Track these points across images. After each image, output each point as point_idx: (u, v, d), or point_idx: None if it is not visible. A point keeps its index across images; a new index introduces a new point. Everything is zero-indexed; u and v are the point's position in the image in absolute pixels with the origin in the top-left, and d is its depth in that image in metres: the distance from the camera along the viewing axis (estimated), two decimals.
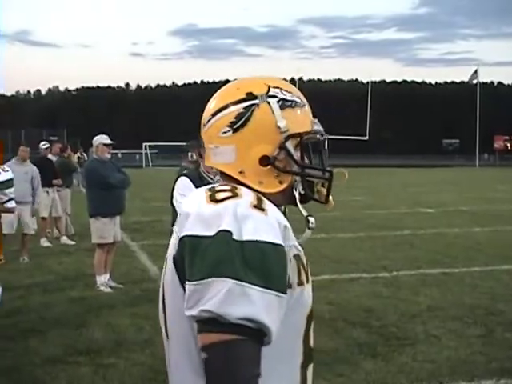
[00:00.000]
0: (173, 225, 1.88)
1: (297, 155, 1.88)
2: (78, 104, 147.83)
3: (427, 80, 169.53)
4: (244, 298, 1.59)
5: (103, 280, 10.20)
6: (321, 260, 12.45)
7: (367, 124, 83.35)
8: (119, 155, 79.16)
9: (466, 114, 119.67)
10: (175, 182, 7.76)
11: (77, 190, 18.06)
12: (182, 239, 1.71)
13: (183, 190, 5.84)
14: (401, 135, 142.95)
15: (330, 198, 2.03)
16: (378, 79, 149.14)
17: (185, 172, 6.35)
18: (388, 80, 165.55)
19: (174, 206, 6.63)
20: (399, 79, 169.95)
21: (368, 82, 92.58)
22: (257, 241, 1.63)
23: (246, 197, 1.73)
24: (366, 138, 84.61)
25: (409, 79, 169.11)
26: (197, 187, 2.09)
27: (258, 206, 1.71)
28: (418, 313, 8.61)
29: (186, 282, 1.65)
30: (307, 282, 1.87)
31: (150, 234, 12.84)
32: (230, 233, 1.63)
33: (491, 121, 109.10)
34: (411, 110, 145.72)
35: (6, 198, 7.82)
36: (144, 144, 79.46)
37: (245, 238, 1.63)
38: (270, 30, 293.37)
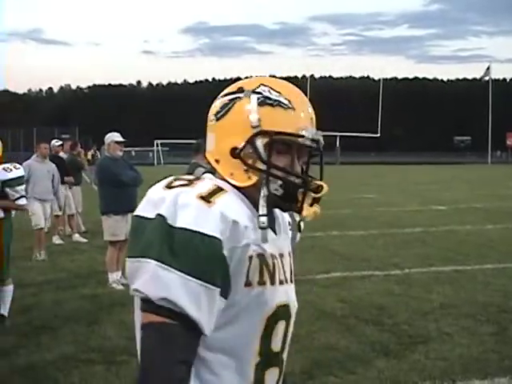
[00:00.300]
0: None
1: (264, 153, 1.86)
2: (90, 102, 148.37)
3: (439, 77, 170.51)
4: (164, 281, 1.67)
5: (115, 277, 10.22)
6: (333, 257, 12.47)
7: (379, 121, 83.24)
8: (133, 153, 79.31)
9: (477, 111, 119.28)
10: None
11: (89, 187, 18.06)
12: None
13: None
14: (412, 132, 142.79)
15: (309, 208, 1.91)
16: (389, 76, 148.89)
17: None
18: (400, 77, 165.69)
19: None
20: (411, 76, 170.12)
21: (379, 79, 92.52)
22: (188, 229, 1.68)
23: (198, 187, 1.79)
24: (378, 135, 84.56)
25: (420, 76, 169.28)
26: None
27: (205, 198, 1.75)
28: (430, 310, 8.59)
29: (126, 259, 1.77)
30: (272, 283, 1.86)
31: None
32: (164, 218, 1.71)
33: (503, 118, 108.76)
34: (423, 107, 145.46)
35: (18, 195, 7.84)
36: (155, 141, 79.43)
37: (177, 224, 1.69)
38: (281, 27, 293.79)
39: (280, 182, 1.87)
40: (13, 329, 7.85)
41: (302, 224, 2.12)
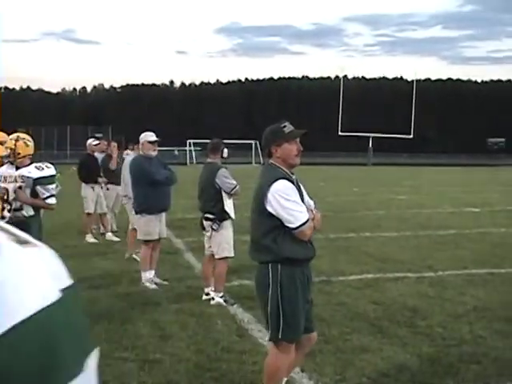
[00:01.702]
0: None
1: None
2: (123, 101, 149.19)
3: (473, 78, 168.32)
4: None
5: (148, 276, 10.27)
6: (365, 259, 12.44)
7: (412, 122, 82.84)
8: (176, 152, 79.62)
9: None
10: (213, 176, 8.63)
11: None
12: None
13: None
14: (445, 134, 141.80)
15: None
16: (422, 77, 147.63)
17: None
18: (433, 78, 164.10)
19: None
20: (444, 77, 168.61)
21: (413, 80, 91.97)
22: None
23: None
24: (411, 136, 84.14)
25: (454, 77, 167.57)
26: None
27: None
28: (464, 313, 8.52)
29: None
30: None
31: (195, 231, 12.85)
32: None
33: None
34: (456, 108, 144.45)
35: (48, 194, 7.90)
36: (188, 141, 79.69)
37: None
38: (314, 27, 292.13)
39: None
40: None
41: None
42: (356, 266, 11.62)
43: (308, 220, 5.09)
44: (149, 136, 10.42)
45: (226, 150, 9.39)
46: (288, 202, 5.07)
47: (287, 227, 5.08)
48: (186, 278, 10.74)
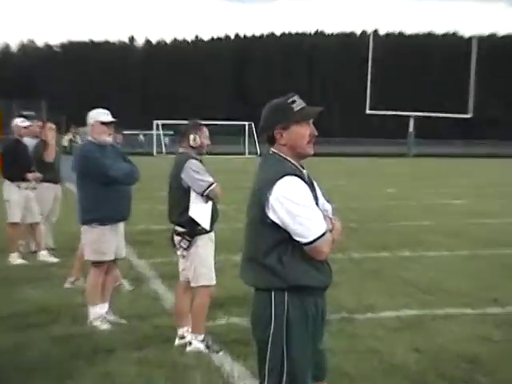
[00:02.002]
0: None
1: None
2: (63, 66, 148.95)
3: None
4: None
5: (99, 312, 10.26)
6: (405, 289, 12.44)
7: (470, 96, 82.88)
8: (141, 138, 79.58)
9: None
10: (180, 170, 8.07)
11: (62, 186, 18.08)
12: None
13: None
14: None
15: None
16: (485, 32, 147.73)
17: None
18: (500, 33, 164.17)
19: None
20: None
21: (471, 37, 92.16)
22: None
23: None
24: (469, 115, 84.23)
25: None
26: None
27: None
28: None
29: None
30: None
31: (164, 248, 12.76)
32: None
33: None
34: None
35: None
36: (156, 122, 79.66)
37: None
38: None
39: None
40: None
41: None
42: (390, 299, 11.64)
43: (326, 232, 5.07)
44: (101, 114, 10.36)
45: (192, 136, 9.24)
46: (298, 208, 4.97)
47: (297, 242, 5.07)
48: (153, 314, 10.73)
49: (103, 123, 10.25)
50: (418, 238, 17.69)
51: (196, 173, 8.81)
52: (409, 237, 17.63)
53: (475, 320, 10.56)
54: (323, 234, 4.96)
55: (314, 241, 4.94)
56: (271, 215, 5.00)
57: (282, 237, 5.02)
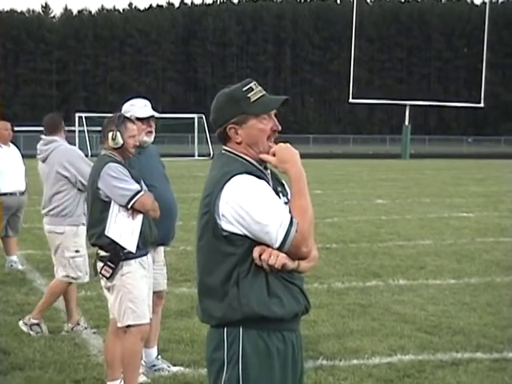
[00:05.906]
0: None
1: None
2: None
3: None
4: None
5: None
6: (399, 327, 12.39)
7: (482, 80, 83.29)
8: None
9: None
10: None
11: None
12: None
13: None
14: None
15: None
16: None
17: None
18: None
19: None
20: None
21: (485, 3, 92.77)
22: None
23: None
24: (480, 104, 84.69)
25: None
26: None
27: None
28: None
29: None
30: None
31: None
32: None
33: None
34: None
35: None
36: (77, 115, 79.62)
37: None
38: None
39: None
40: None
41: None
42: (381, 341, 11.61)
43: (293, 225, 5.01)
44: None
45: (111, 134, 9.04)
46: (259, 211, 4.99)
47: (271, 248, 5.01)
48: (72, 362, 10.67)
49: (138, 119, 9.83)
50: (416, 262, 17.68)
51: (116, 179, 8.59)
52: (404, 260, 17.63)
53: (491, 368, 10.55)
54: (289, 232, 4.97)
55: (283, 243, 4.94)
56: (225, 226, 5.00)
57: (241, 253, 5.01)
